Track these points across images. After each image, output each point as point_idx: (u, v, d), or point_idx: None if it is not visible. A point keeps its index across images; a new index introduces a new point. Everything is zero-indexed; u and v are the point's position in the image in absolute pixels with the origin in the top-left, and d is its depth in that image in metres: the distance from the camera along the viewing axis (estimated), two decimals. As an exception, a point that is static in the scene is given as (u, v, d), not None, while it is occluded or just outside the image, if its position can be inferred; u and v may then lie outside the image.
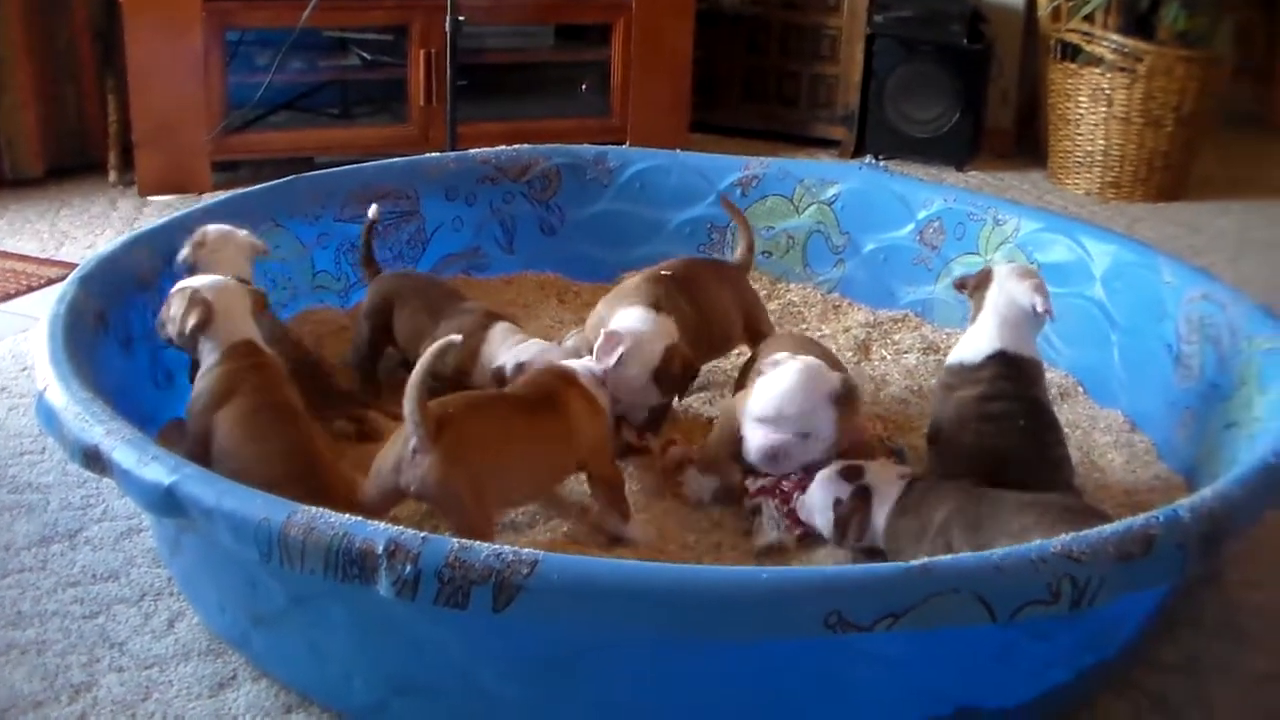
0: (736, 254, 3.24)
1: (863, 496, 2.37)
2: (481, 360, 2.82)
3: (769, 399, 2.44)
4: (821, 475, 2.43)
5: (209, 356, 2.47)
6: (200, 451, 2.34)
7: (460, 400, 2.37)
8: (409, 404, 2.20)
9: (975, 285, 2.66)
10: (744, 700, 1.92)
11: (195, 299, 2.47)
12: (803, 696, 1.93)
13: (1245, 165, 5.46)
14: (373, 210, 3.13)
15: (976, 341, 2.60)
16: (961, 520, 2.27)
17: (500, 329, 2.87)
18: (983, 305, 2.62)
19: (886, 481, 2.39)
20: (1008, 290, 2.61)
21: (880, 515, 2.36)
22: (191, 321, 2.45)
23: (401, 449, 2.24)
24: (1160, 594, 2.21)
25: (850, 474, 2.41)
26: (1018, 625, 1.85)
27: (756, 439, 2.46)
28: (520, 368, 2.69)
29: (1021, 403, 2.55)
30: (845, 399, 2.46)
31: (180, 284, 2.54)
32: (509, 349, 2.78)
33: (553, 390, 2.46)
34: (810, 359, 2.51)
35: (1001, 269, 2.66)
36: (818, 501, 2.42)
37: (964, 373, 2.59)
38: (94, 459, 2.11)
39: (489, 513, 2.32)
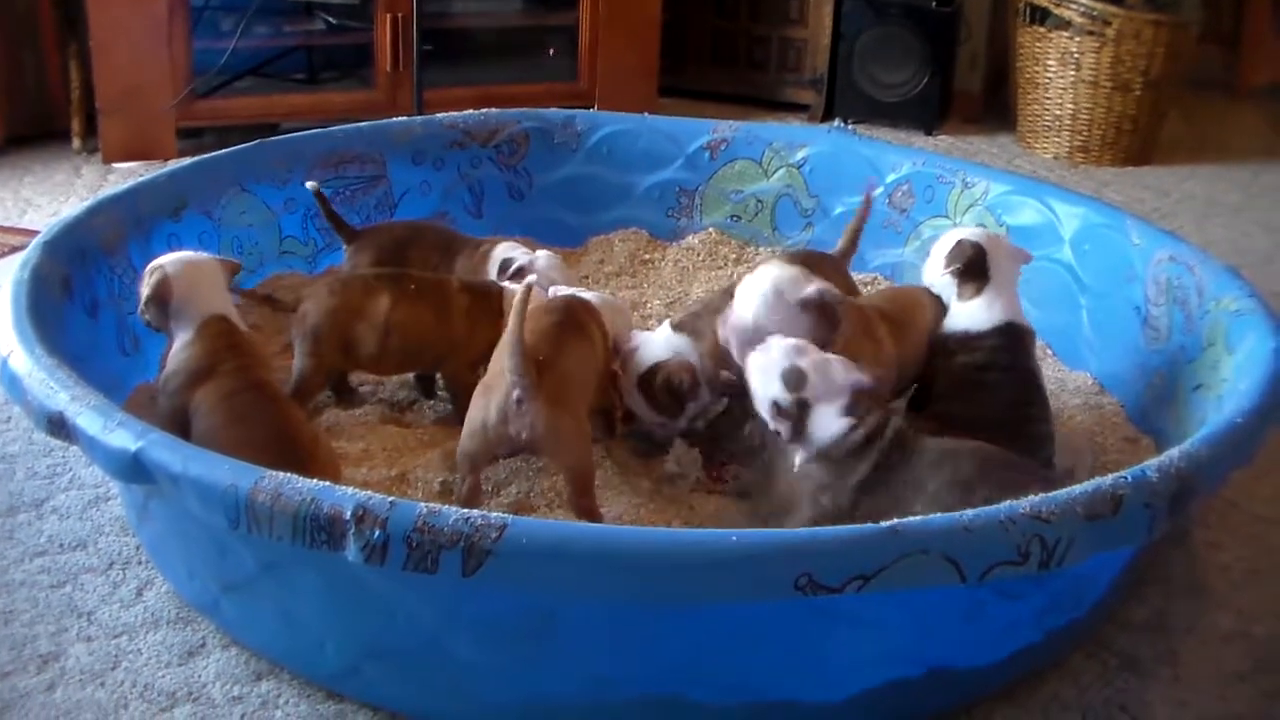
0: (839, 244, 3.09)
1: (802, 409, 2.25)
2: (486, 268, 2.96)
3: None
4: (764, 360, 2.30)
5: (182, 334, 2.42)
6: (173, 429, 2.27)
7: (538, 341, 2.35)
8: (511, 356, 2.22)
9: (969, 269, 2.61)
10: (714, 662, 1.93)
11: (153, 274, 2.44)
12: (773, 659, 1.93)
13: (1212, 129, 5.48)
14: (311, 185, 3.07)
15: (985, 311, 2.60)
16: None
17: (506, 244, 3.02)
18: (984, 283, 2.61)
19: (827, 411, 2.25)
20: (1002, 263, 2.62)
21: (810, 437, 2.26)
22: (145, 294, 2.41)
23: (504, 401, 2.25)
24: (1129, 554, 2.22)
25: (794, 381, 2.26)
26: (987, 586, 1.85)
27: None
28: (518, 269, 2.83)
29: (1017, 374, 2.55)
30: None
31: (152, 263, 2.49)
32: (521, 254, 2.93)
33: (576, 313, 2.51)
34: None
35: (988, 243, 2.64)
36: (758, 384, 2.30)
37: (967, 340, 2.58)
38: (59, 426, 2.10)
39: (590, 443, 2.40)
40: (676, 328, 2.70)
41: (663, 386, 2.60)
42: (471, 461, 2.34)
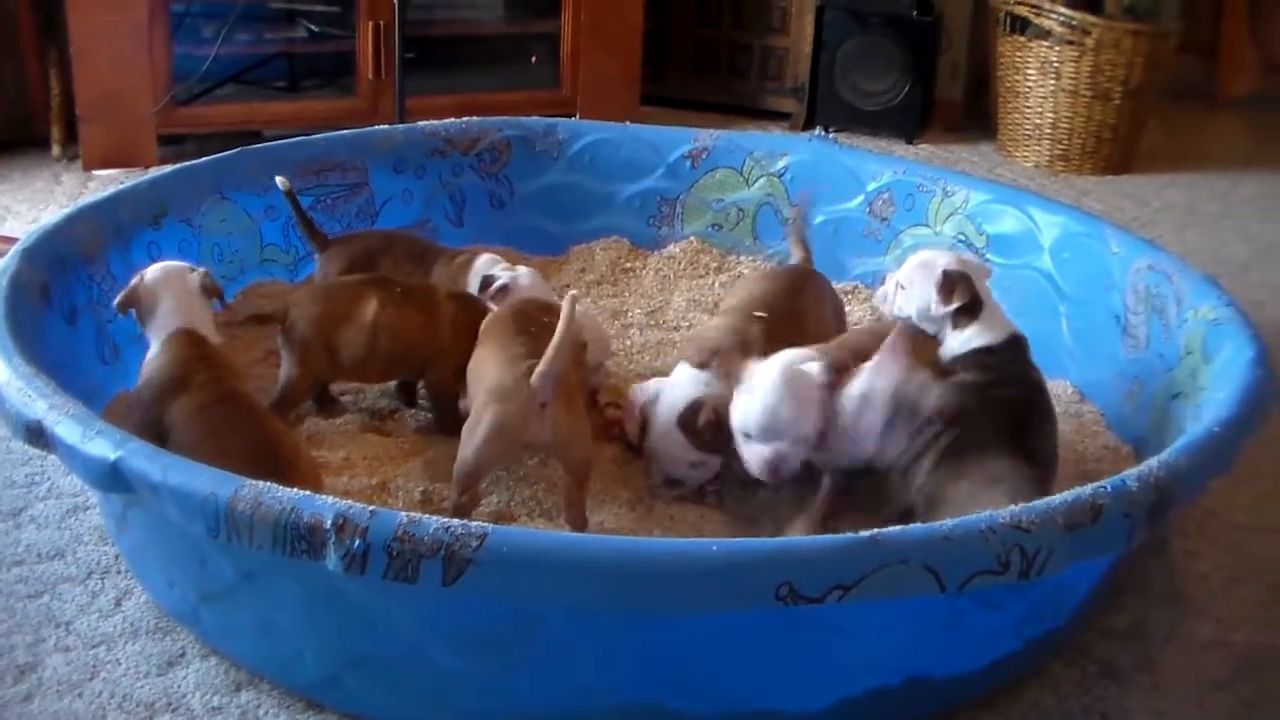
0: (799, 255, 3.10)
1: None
2: (465, 279, 2.94)
3: (755, 412, 2.36)
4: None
5: (154, 343, 2.45)
6: (149, 440, 2.28)
7: (533, 346, 2.36)
8: (555, 362, 2.24)
9: (962, 298, 2.55)
10: (695, 671, 1.93)
11: (131, 283, 2.47)
12: (754, 668, 1.93)
13: (1191, 138, 5.51)
14: (281, 181, 3.06)
15: (990, 328, 2.54)
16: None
17: (485, 258, 3.00)
18: (980, 308, 2.56)
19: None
20: (982, 281, 2.59)
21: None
22: (116, 300, 2.45)
23: (527, 406, 2.26)
24: (1108, 562, 2.23)
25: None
26: (967, 595, 1.86)
27: (755, 456, 2.37)
28: (501, 287, 2.81)
29: (1028, 389, 2.52)
30: (829, 384, 2.39)
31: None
32: (502, 270, 2.91)
33: (538, 315, 2.50)
34: (785, 356, 2.42)
35: (966, 267, 2.60)
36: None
37: (977, 357, 2.53)
38: (37, 435, 2.09)
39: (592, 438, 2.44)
40: (699, 366, 2.61)
41: (711, 422, 2.50)
42: (479, 472, 2.33)
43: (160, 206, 3.08)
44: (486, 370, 2.38)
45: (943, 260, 2.61)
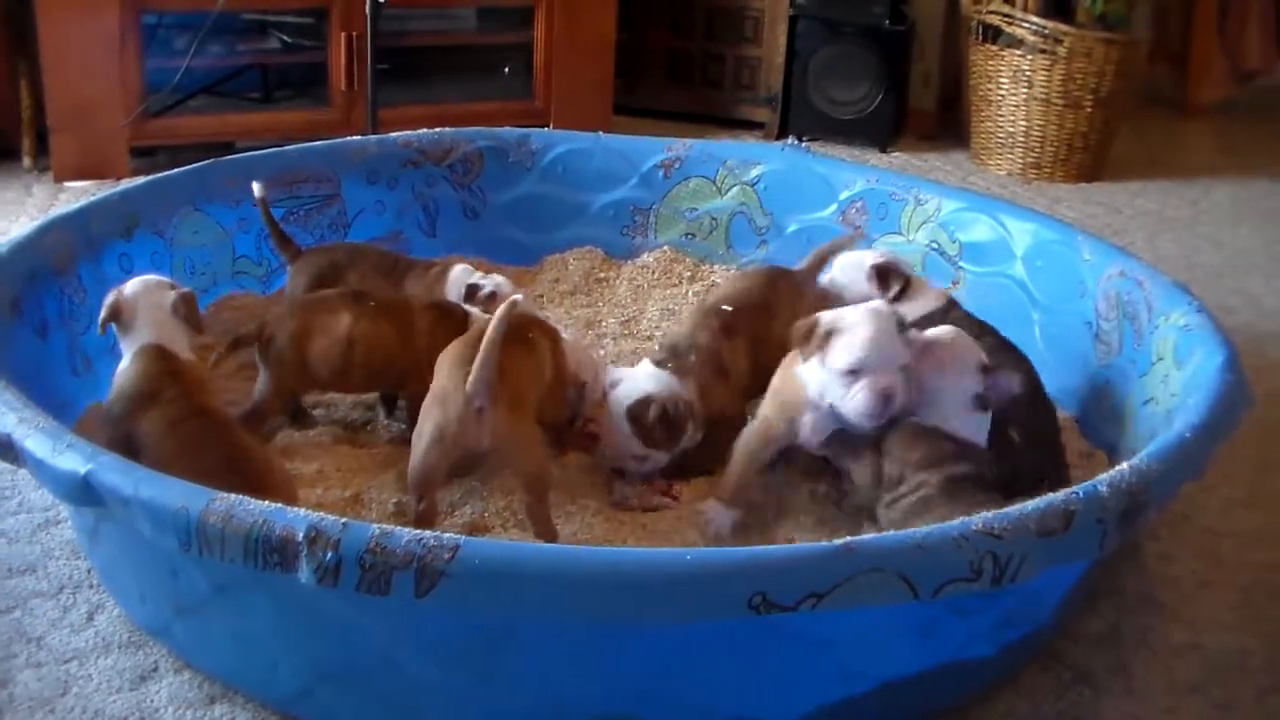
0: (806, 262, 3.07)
1: None
2: (446, 289, 2.95)
3: (861, 345, 2.34)
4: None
5: (125, 356, 2.45)
6: (119, 453, 2.27)
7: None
8: (484, 365, 2.25)
9: (898, 282, 2.81)
10: (669, 682, 1.93)
11: (111, 298, 2.47)
12: (728, 678, 1.93)
13: (1162, 146, 5.54)
14: (257, 188, 3.07)
15: (925, 297, 2.80)
16: None
17: (460, 267, 3.02)
18: (906, 282, 2.81)
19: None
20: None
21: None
22: (100, 317, 2.45)
23: (464, 410, 2.27)
24: (1082, 568, 2.24)
25: None
26: (940, 602, 1.86)
27: (863, 392, 2.33)
28: (488, 292, 2.87)
29: (991, 330, 2.70)
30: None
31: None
32: (481, 279, 2.95)
33: (521, 326, 2.48)
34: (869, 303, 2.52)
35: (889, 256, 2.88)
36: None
37: (931, 320, 2.65)
38: (6, 448, 2.08)
39: (545, 449, 2.44)
40: (658, 364, 2.68)
41: (658, 418, 2.56)
42: (427, 478, 2.33)
43: (132, 218, 3.07)
44: (437, 376, 2.39)
45: (869, 257, 2.86)
